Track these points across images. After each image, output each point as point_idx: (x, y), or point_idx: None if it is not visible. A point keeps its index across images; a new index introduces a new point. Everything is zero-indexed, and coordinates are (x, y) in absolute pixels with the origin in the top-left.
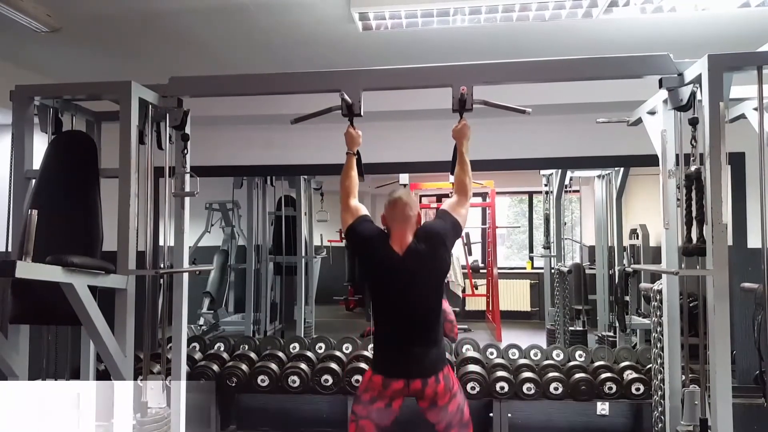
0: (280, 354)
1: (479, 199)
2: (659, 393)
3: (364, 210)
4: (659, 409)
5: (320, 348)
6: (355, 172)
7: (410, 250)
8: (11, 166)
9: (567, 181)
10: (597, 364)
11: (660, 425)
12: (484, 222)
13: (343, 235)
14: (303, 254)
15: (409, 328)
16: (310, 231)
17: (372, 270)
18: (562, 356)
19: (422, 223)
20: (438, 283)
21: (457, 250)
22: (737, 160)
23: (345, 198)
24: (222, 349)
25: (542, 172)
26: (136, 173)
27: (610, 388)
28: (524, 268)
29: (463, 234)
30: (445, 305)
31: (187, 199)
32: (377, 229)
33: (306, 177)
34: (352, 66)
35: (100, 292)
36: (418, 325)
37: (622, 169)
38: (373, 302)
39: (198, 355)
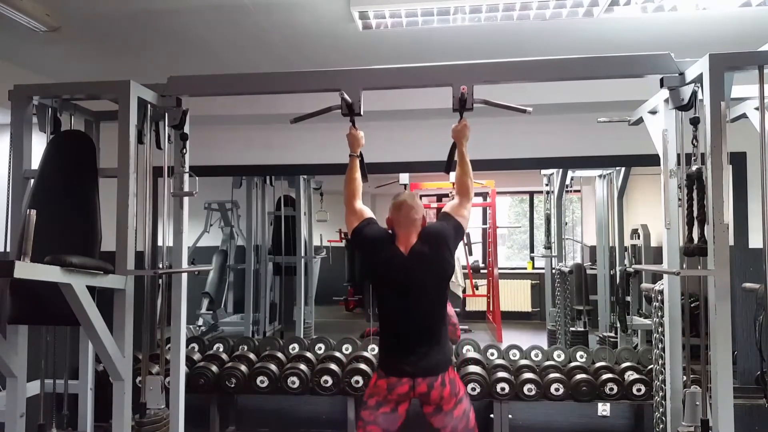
0: (280, 355)
1: (480, 199)
2: (660, 394)
3: (369, 212)
4: (660, 409)
5: (320, 349)
6: (358, 174)
7: (414, 250)
8: (10, 165)
9: (568, 181)
10: (598, 364)
11: (661, 426)
12: (484, 222)
13: (347, 237)
14: (302, 254)
15: (414, 328)
16: (309, 231)
17: (377, 269)
18: (563, 357)
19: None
20: (442, 285)
21: (458, 250)
22: (738, 160)
23: (350, 200)
24: (221, 349)
25: (543, 171)
26: (134, 173)
27: (611, 389)
28: (525, 269)
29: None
30: (448, 308)
31: (185, 199)
32: (383, 231)
33: (306, 177)
34: (352, 65)
35: (99, 292)
36: (422, 325)
37: (623, 168)
38: (378, 303)
39: (197, 356)
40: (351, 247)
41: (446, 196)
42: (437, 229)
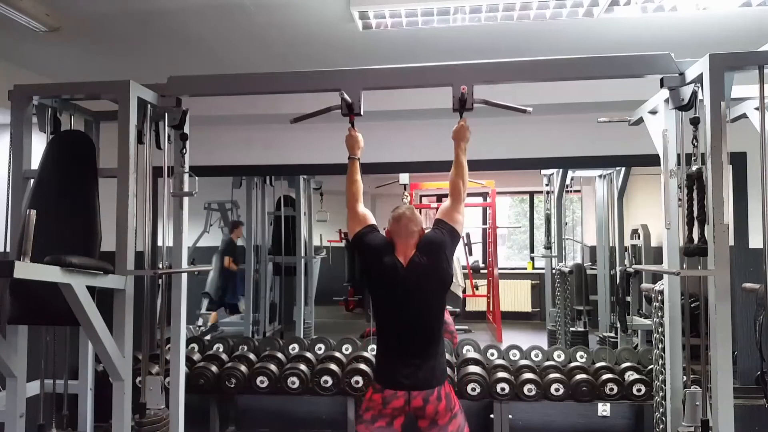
0: (280, 355)
1: (480, 199)
2: (660, 394)
3: (371, 218)
4: (660, 410)
5: (320, 349)
6: (359, 177)
7: (413, 262)
8: (10, 165)
9: (568, 181)
10: (598, 365)
11: (661, 426)
12: (484, 222)
13: (347, 237)
14: (302, 254)
15: (411, 340)
16: (309, 231)
17: (377, 279)
18: (563, 357)
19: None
20: (440, 296)
21: (458, 250)
22: (739, 160)
23: (352, 204)
24: (221, 350)
25: (543, 171)
26: (134, 173)
27: (612, 389)
28: (525, 269)
29: (464, 234)
30: (446, 315)
31: (185, 199)
32: (384, 239)
33: (305, 177)
34: (351, 65)
35: (99, 292)
36: (420, 336)
37: (623, 168)
38: (376, 314)
39: (197, 356)
40: (351, 249)
41: (446, 196)
42: (433, 239)
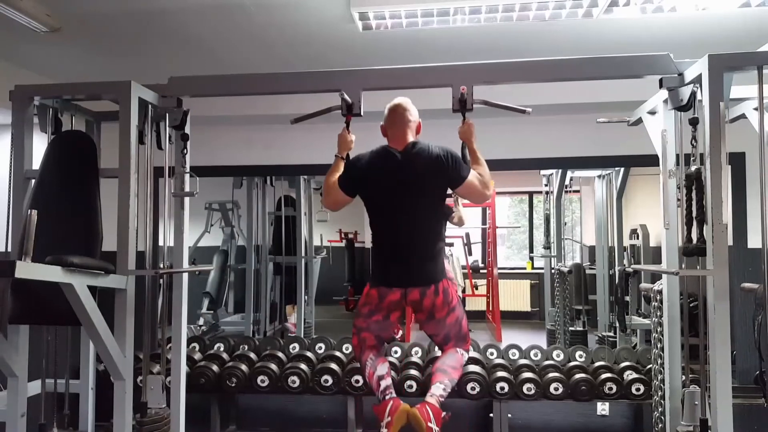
0: (280, 354)
1: None
2: (659, 393)
3: None
4: (659, 409)
5: (320, 348)
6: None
7: (410, 146)
8: (11, 166)
9: (567, 181)
10: (597, 364)
11: (660, 425)
12: (484, 222)
13: (347, 236)
14: (303, 254)
15: (408, 235)
16: (309, 231)
17: (369, 173)
18: (562, 356)
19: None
20: (437, 189)
21: (457, 250)
22: (737, 160)
23: (328, 188)
24: (222, 349)
25: (542, 172)
26: (135, 173)
27: (611, 389)
28: (524, 269)
29: (463, 234)
30: (448, 266)
31: (186, 199)
32: (369, 151)
33: (306, 177)
34: (351, 65)
35: (100, 292)
36: (416, 234)
37: (622, 169)
38: (371, 209)
39: (198, 356)
40: (350, 247)
41: (448, 196)
42: (447, 148)
